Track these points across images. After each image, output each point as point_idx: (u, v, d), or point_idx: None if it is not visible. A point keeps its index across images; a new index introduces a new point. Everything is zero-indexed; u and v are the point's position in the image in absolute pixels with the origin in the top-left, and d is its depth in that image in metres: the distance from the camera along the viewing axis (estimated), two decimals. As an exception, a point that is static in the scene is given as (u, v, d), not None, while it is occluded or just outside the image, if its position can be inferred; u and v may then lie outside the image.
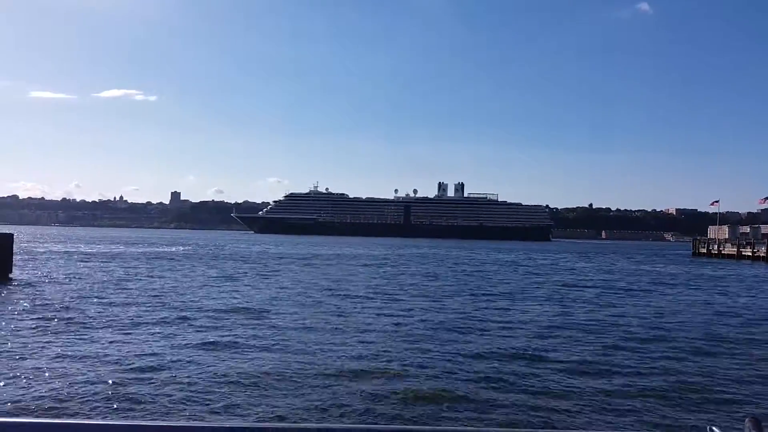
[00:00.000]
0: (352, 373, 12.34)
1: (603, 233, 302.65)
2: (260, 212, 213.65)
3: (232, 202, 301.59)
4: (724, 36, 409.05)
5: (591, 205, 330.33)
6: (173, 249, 74.21)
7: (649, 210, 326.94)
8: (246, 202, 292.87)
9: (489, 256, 75.80)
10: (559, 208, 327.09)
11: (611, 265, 62.03)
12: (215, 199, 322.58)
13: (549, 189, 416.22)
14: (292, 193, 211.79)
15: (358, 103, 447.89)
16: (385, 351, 14.59)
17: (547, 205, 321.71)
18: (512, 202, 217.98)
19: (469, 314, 21.68)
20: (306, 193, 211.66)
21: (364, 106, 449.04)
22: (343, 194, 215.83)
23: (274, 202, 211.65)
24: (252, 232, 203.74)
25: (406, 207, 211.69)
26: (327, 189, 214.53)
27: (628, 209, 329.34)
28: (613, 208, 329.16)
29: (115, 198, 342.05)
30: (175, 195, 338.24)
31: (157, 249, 73.49)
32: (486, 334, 17.54)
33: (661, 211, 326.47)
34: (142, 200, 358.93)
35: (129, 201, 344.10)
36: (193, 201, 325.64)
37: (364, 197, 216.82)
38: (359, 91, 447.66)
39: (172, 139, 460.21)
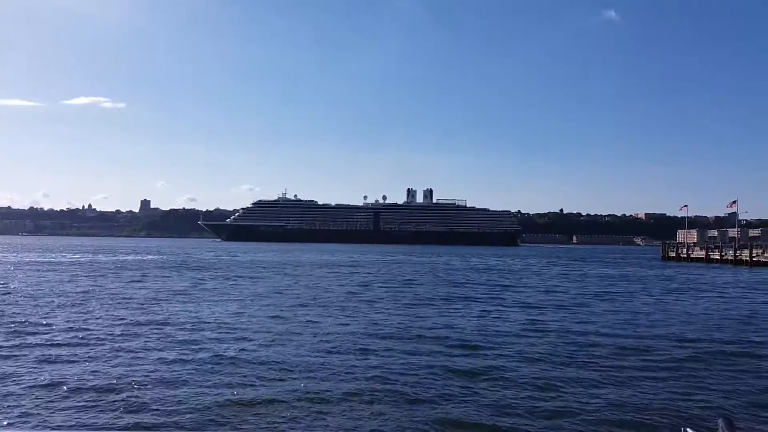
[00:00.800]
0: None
1: (574, 238, 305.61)
2: (228, 219, 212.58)
3: (204, 209, 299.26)
4: (691, 41, 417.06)
5: (562, 210, 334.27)
6: (133, 257, 73.51)
7: (619, 215, 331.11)
8: (218, 209, 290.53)
9: (453, 261, 76.18)
10: (531, 213, 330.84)
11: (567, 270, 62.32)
12: (186, 207, 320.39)
13: (519, 195, 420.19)
14: (260, 200, 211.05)
15: (329, 110, 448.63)
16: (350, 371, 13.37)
17: (518, 211, 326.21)
18: (481, 207, 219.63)
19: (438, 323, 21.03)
20: (274, 200, 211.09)
21: (335, 112, 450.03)
22: (312, 201, 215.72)
23: (242, 209, 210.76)
24: (219, 240, 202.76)
25: (376, 213, 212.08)
26: (296, 196, 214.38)
27: (599, 214, 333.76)
28: (584, 213, 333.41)
29: (83, 207, 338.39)
30: (145, 203, 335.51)
31: (118, 258, 72.75)
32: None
33: (631, 215, 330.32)
34: (112, 209, 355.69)
35: (98, 209, 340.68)
36: (163, 209, 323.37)
37: (333, 204, 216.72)
38: (330, 98, 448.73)
39: (141, 146, 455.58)
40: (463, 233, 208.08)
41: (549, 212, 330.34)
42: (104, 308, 23.28)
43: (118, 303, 25.15)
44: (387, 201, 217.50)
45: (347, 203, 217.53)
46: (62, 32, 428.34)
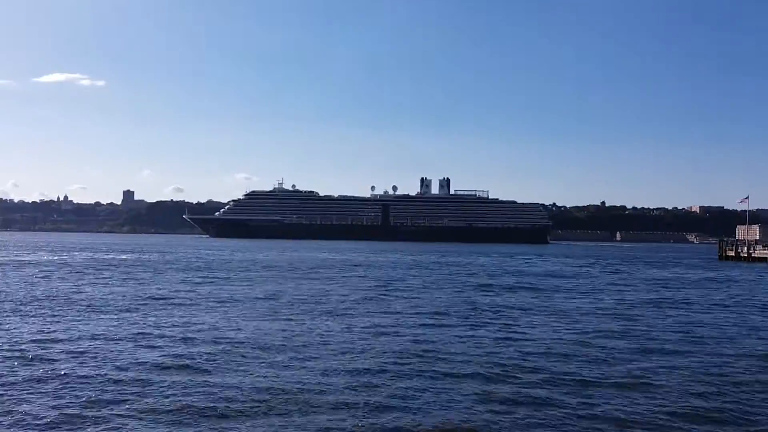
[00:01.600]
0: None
1: (617, 234, 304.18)
2: (217, 213, 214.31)
3: (194, 201, 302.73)
4: (755, 19, 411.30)
5: (603, 203, 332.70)
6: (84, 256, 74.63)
7: (670, 208, 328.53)
8: (210, 201, 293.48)
9: (476, 260, 76.47)
10: (568, 206, 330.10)
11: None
12: (174, 199, 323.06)
13: (553, 185, 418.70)
14: (253, 191, 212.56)
15: (334, 90, 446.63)
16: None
17: (553, 204, 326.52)
18: (506, 200, 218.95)
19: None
20: (270, 191, 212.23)
21: (340, 92, 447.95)
22: (312, 192, 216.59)
23: (233, 201, 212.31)
24: (207, 236, 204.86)
25: (385, 206, 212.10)
26: (294, 186, 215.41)
27: (646, 207, 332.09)
28: (629, 207, 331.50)
29: (59, 198, 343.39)
30: (128, 194, 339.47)
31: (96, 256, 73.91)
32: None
33: (684, 209, 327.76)
34: (90, 200, 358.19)
35: (75, 201, 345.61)
36: (148, 201, 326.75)
37: (336, 195, 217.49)
38: (335, 77, 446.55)
39: (123, 130, 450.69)
40: (485, 229, 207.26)
41: (589, 205, 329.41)
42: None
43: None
44: (398, 192, 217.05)
45: (352, 195, 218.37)
46: (32, 3, 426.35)
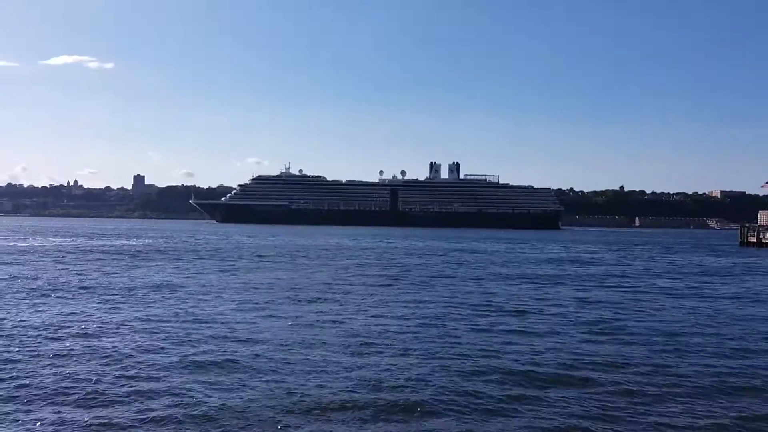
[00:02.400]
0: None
1: (636, 220, 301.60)
2: (223, 198, 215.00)
3: (205, 186, 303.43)
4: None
5: (622, 187, 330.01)
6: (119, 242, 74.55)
7: (690, 193, 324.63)
8: (221, 186, 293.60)
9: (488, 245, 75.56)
10: (586, 191, 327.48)
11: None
12: (185, 184, 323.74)
13: (569, 169, 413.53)
14: (260, 176, 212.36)
15: (340, 71, 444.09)
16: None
17: (570, 188, 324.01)
18: (516, 184, 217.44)
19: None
20: (276, 176, 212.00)
21: (347, 74, 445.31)
22: (319, 177, 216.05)
23: (240, 186, 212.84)
24: (214, 221, 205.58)
25: (393, 191, 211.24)
26: (301, 171, 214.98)
27: (666, 192, 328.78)
28: (648, 191, 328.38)
29: (68, 183, 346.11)
30: (139, 179, 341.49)
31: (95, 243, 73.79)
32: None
33: (704, 194, 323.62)
34: (100, 185, 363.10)
35: (85, 186, 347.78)
36: (159, 186, 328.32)
37: (344, 180, 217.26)
38: (342, 58, 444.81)
39: (132, 113, 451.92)
40: (495, 214, 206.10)
41: (607, 190, 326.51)
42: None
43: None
44: (406, 177, 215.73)
45: (360, 180, 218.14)
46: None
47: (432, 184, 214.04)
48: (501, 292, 30.37)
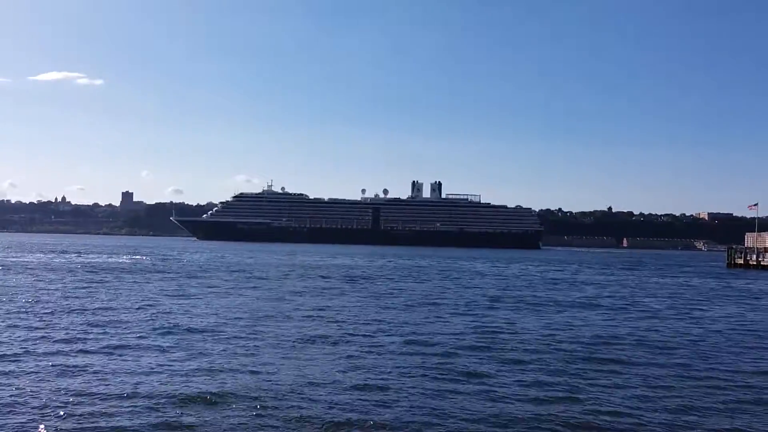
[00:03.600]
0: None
1: (624, 241, 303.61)
2: (204, 216, 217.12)
3: (194, 203, 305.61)
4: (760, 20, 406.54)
5: (610, 208, 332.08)
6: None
7: (678, 214, 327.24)
8: (210, 204, 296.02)
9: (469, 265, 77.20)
10: (574, 211, 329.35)
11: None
12: (174, 201, 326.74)
13: (559, 190, 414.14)
14: (242, 194, 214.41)
15: (323, 91, 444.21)
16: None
17: (559, 209, 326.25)
18: (498, 204, 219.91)
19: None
20: (258, 194, 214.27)
21: (331, 94, 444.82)
22: (301, 195, 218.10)
23: (221, 203, 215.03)
24: (195, 238, 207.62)
25: (375, 209, 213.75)
26: (283, 188, 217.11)
27: (654, 213, 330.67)
28: (636, 212, 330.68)
29: (56, 199, 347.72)
30: (127, 196, 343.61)
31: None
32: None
33: (692, 215, 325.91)
34: (89, 202, 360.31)
35: (73, 203, 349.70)
36: (147, 203, 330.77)
37: (326, 198, 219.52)
38: (325, 77, 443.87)
39: (122, 130, 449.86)
40: (476, 234, 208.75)
41: (595, 210, 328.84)
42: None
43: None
44: (388, 196, 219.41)
45: (343, 198, 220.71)
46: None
47: (414, 203, 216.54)
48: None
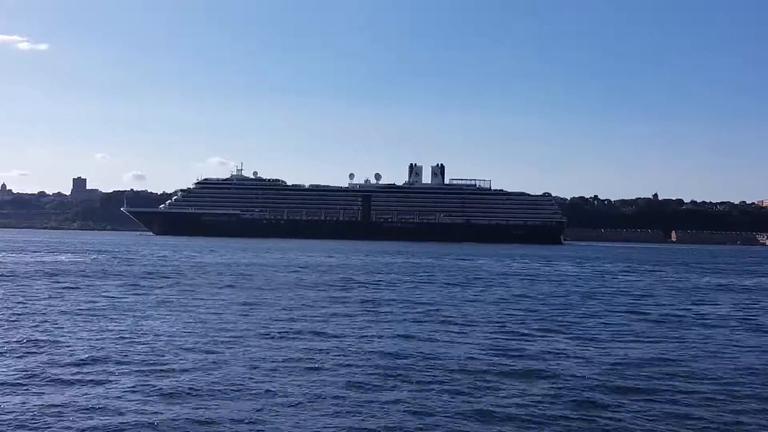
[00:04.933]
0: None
1: (672, 234, 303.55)
2: (162, 206, 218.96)
3: (159, 192, 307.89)
4: None
5: (656, 195, 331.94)
6: None
7: (737, 203, 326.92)
8: (179, 192, 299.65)
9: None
10: (613, 200, 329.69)
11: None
12: (135, 188, 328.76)
13: (590, 174, 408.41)
14: (206, 180, 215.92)
15: (310, 59, 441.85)
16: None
17: (595, 196, 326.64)
18: (511, 191, 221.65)
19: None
20: (225, 180, 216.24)
21: (316, 62, 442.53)
22: (278, 181, 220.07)
23: (181, 191, 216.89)
24: (150, 233, 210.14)
25: (365, 198, 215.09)
26: (256, 173, 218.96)
27: (708, 201, 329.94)
28: (687, 200, 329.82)
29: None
30: (79, 183, 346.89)
31: None
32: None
33: (753, 203, 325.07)
34: (33, 190, 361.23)
35: (14, 191, 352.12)
36: (103, 191, 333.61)
37: (307, 185, 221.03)
38: (311, 44, 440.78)
39: (71, 104, 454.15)
40: (486, 226, 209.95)
41: (638, 198, 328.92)
42: None
43: None
44: (381, 181, 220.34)
45: (327, 184, 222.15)
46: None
47: (411, 190, 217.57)
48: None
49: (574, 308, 38.20)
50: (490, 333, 28.17)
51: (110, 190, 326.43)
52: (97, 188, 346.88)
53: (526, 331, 28.78)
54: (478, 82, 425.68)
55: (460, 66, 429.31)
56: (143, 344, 23.64)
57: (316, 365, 20.92)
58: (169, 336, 25.45)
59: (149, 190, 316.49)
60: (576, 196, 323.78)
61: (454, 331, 28.40)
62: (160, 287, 44.74)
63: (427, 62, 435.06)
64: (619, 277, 68.00)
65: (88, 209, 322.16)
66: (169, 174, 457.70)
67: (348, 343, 24.96)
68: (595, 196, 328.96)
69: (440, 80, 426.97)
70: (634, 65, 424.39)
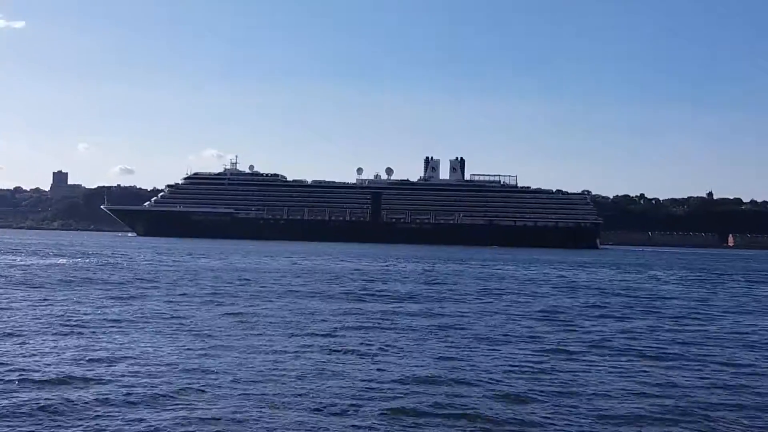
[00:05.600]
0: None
1: (729, 238, 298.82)
2: (147, 203, 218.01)
3: (148, 188, 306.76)
4: None
5: (710, 194, 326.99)
6: None
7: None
8: (166, 187, 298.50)
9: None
10: (661, 199, 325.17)
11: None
12: (122, 184, 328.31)
13: (642, 170, 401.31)
14: (196, 174, 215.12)
15: (313, 41, 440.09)
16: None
17: (641, 195, 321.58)
18: (540, 188, 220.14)
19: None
20: (218, 174, 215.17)
21: (319, 44, 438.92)
22: (277, 176, 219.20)
23: (168, 187, 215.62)
24: (133, 233, 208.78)
25: (375, 196, 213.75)
26: (252, 167, 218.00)
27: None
28: (746, 200, 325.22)
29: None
30: (60, 177, 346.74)
31: None
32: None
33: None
34: (9, 185, 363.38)
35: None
36: (87, 187, 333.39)
37: (309, 181, 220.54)
38: (315, 26, 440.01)
39: (51, 87, 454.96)
40: (511, 228, 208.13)
41: (690, 197, 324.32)
42: None
43: None
44: (393, 177, 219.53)
45: (332, 180, 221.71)
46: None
47: (427, 187, 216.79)
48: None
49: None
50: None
51: (94, 186, 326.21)
52: (79, 183, 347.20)
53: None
54: (504, 63, 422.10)
55: (482, 45, 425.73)
56: None
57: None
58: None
59: (138, 186, 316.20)
60: (619, 194, 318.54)
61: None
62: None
63: (444, 41, 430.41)
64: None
65: (70, 207, 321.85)
66: (160, 168, 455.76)
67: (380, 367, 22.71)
68: (642, 195, 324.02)
69: (460, 62, 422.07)
70: (687, 48, 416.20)
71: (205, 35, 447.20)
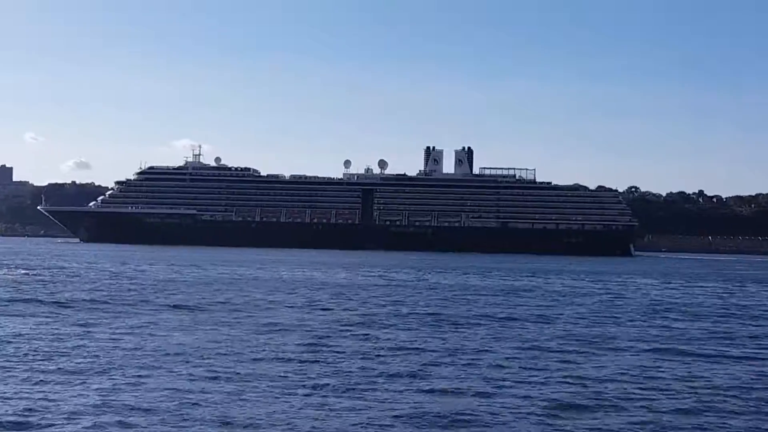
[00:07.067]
0: None
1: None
2: (92, 204, 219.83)
3: (108, 185, 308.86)
4: None
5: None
6: None
7: None
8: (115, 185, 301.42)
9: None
10: (724, 197, 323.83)
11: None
12: (77, 181, 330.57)
13: (700, 163, 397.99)
14: (152, 168, 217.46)
15: (295, 16, 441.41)
16: None
17: (700, 191, 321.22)
18: (563, 185, 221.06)
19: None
20: (177, 168, 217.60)
21: (303, 19, 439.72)
22: (249, 170, 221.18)
23: (117, 184, 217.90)
24: (77, 239, 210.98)
25: (366, 193, 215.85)
26: (219, 159, 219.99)
27: None
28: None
29: None
30: (4, 173, 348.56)
31: None
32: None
33: None
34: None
35: None
36: (36, 184, 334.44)
37: (287, 176, 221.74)
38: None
39: None
40: (528, 232, 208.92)
41: (758, 195, 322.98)
42: None
43: None
44: (387, 171, 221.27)
45: (314, 175, 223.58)
46: None
47: (428, 183, 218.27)
48: None
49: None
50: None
51: (45, 183, 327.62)
52: (27, 180, 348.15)
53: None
54: (517, 38, 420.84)
55: (490, 17, 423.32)
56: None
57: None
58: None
59: (96, 183, 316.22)
60: (673, 191, 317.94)
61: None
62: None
63: (447, 14, 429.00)
64: None
65: (16, 208, 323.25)
66: (122, 162, 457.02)
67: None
68: (701, 191, 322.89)
69: (465, 37, 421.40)
70: (744, 19, 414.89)
71: (173, 8, 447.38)
